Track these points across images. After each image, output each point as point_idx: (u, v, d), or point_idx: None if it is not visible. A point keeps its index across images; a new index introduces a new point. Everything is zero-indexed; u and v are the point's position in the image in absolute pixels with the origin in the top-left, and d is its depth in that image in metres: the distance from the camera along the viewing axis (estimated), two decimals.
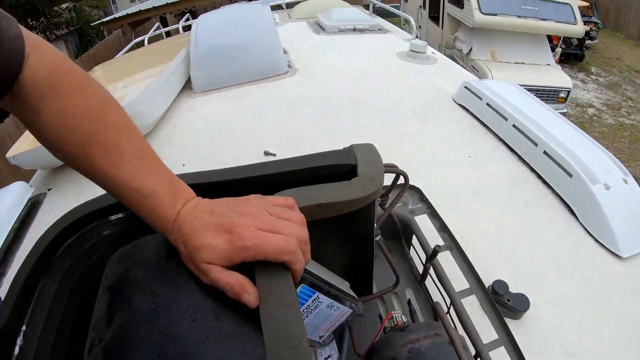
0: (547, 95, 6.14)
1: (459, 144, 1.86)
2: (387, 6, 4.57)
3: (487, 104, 1.96)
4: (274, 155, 1.82)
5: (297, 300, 0.51)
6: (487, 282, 1.06)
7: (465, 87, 2.14)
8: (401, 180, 0.88)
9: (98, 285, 0.63)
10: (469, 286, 0.95)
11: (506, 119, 1.82)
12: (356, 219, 0.78)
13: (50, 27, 13.82)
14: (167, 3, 10.73)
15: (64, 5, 15.22)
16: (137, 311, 0.53)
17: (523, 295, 1.10)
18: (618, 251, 1.32)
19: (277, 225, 0.55)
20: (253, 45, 2.64)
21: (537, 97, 2.01)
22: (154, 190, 0.59)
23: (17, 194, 1.71)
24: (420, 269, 1.06)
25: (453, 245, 1.04)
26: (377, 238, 0.92)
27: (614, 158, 1.59)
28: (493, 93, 1.99)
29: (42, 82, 0.57)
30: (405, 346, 0.68)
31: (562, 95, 6.25)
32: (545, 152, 1.60)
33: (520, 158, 1.73)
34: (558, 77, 6.33)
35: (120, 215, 0.76)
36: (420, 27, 9.75)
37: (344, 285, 0.81)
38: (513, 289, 1.10)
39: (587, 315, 1.14)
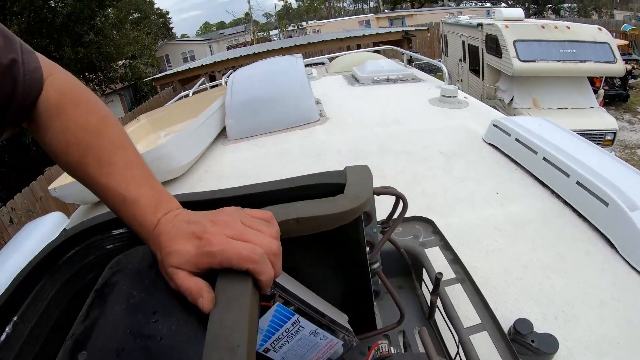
0: (593, 139, 5.94)
1: (486, 182, 1.81)
2: (418, 55, 4.63)
3: (516, 139, 1.91)
4: None
5: (252, 308, 0.51)
6: (509, 322, 0.99)
7: (494, 125, 2.10)
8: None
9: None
10: (480, 322, 0.87)
11: (536, 153, 1.76)
12: (344, 242, 0.75)
13: (105, 81, 14.70)
14: (215, 62, 11.26)
15: (120, 62, 16.12)
16: (109, 310, 0.58)
17: (551, 335, 0.97)
18: None
19: (247, 235, 0.56)
20: (285, 94, 2.73)
21: None
22: (138, 198, 0.63)
23: (53, 223, 1.81)
24: None
25: (465, 277, 0.97)
26: (376, 266, 0.87)
27: None
28: (522, 128, 1.94)
29: (52, 104, 0.67)
30: None
31: (608, 138, 6.04)
32: (578, 183, 1.52)
33: (552, 192, 1.65)
34: (603, 120, 6.16)
35: (122, 230, 0.78)
36: (461, 80, 9.80)
37: (338, 316, 0.78)
38: (540, 329, 0.98)
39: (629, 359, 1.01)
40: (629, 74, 9.40)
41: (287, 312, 0.66)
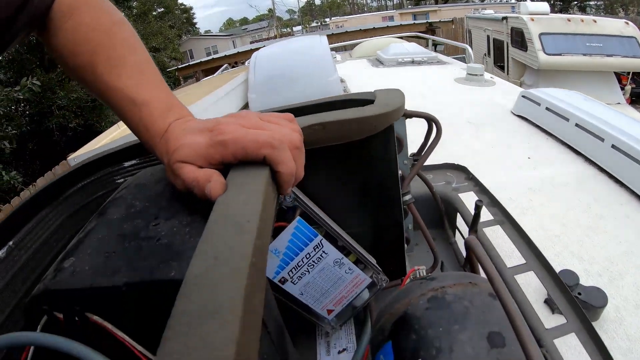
0: None
1: (517, 148, 1.75)
2: (442, 39, 4.57)
3: (547, 108, 1.85)
4: None
5: (267, 197, 0.44)
6: None
7: (523, 96, 2.05)
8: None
9: None
10: (525, 262, 0.80)
11: (567, 120, 1.71)
12: (373, 161, 0.70)
13: None
14: (239, 52, 11.26)
15: None
16: (107, 219, 0.54)
17: (598, 289, 0.89)
18: None
19: (264, 125, 0.51)
20: (309, 70, 2.68)
21: None
22: (148, 100, 0.58)
23: None
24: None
25: (505, 219, 0.91)
26: (407, 198, 0.79)
27: None
28: (552, 97, 1.89)
29: (65, 4, 0.62)
30: (424, 295, 0.48)
31: None
32: (613, 146, 1.46)
33: (586, 159, 1.60)
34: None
35: (134, 161, 0.75)
36: None
37: (365, 253, 0.71)
38: (585, 283, 0.92)
39: None
40: None
41: (309, 232, 0.60)
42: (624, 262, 1.10)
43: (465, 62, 3.61)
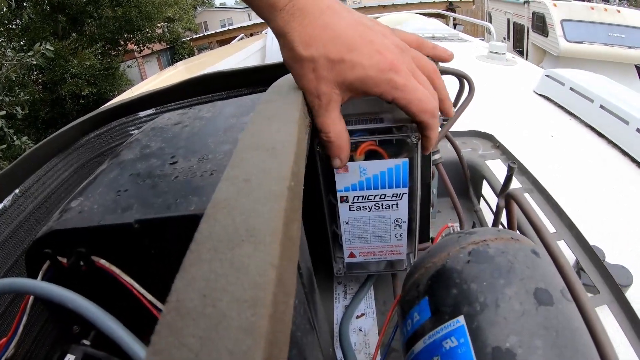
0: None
1: (540, 126, 1.71)
2: (463, 17, 4.48)
3: (571, 88, 1.80)
4: None
5: (300, 121, 0.40)
6: None
7: (547, 76, 2.00)
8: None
9: None
10: (555, 231, 0.78)
11: (592, 101, 1.66)
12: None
13: (143, 41, 14.54)
14: (255, 24, 11.15)
15: (159, 25, 16.17)
16: (119, 160, 0.51)
17: (623, 267, 0.86)
18: None
19: (425, 81, 0.48)
20: None
21: None
22: None
23: None
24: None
25: (534, 187, 0.88)
26: (437, 157, 0.75)
27: None
28: (577, 78, 1.83)
29: None
30: (463, 249, 0.43)
31: None
32: (638, 130, 1.41)
33: (609, 142, 1.54)
34: None
35: (149, 112, 0.72)
36: None
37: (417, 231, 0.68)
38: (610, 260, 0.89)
39: None
40: None
41: (404, 178, 0.56)
42: None
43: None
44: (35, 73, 8.79)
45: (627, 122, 1.47)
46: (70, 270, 0.40)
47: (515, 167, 0.72)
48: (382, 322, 0.72)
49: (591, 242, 0.97)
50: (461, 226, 0.79)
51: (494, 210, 0.77)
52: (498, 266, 0.40)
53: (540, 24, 7.12)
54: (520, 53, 8.30)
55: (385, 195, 0.57)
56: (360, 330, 0.72)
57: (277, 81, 0.52)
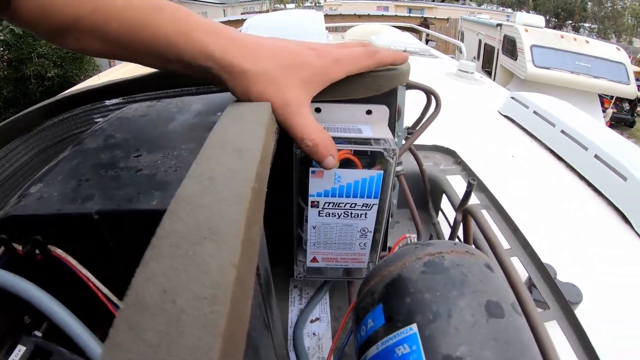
0: None
1: (502, 145, 1.76)
2: (436, 33, 4.56)
3: (534, 112, 1.86)
4: None
5: (268, 125, 0.40)
6: None
7: (512, 98, 2.06)
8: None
9: None
10: (509, 247, 0.81)
11: (554, 125, 1.72)
12: None
13: None
14: (230, 20, 11.08)
15: None
16: (82, 148, 0.50)
17: (574, 285, 0.89)
18: None
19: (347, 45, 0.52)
20: (302, 40, 2.59)
21: None
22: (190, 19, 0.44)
23: None
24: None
25: (491, 204, 0.91)
26: (399, 168, 0.75)
27: None
28: (541, 102, 1.91)
29: None
30: (419, 259, 0.45)
31: None
32: (596, 156, 1.47)
33: (568, 166, 1.60)
34: None
35: (117, 100, 0.70)
36: None
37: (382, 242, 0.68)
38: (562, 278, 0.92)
39: None
40: (639, 100, 9.40)
41: (376, 189, 0.56)
42: (598, 267, 1.11)
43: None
44: (1, 49, 8.49)
45: (586, 148, 1.52)
46: (25, 259, 0.38)
47: (474, 183, 0.73)
48: (336, 328, 0.72)
49: (544, 260, 1.01)
50: (419, 237, 0.80)
51: (452, 224, 0.77)
52: (452, 278, 0.41)
53: (511, 47, 7.29)
54: (489, 74, 8.47)
55: (355, 204, 0.58)
56: (314, 334, 0.72)
57: None
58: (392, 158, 0.53)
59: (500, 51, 7.85)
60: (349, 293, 0.74)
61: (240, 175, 0.30)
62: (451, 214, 0.89)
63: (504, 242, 0.82)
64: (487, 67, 8.66)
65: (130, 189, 0.40)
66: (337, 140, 0.51)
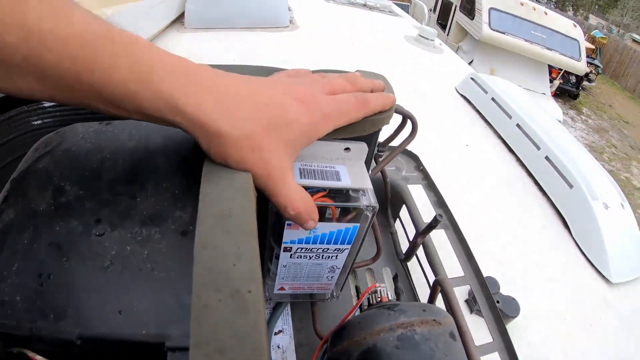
0: None
1: (457, 132, 1.73)
2: None
3: (492, 99, 1.83)
4: None
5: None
6: None
7: (472, 79, 2.02)
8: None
9: None
10: (463, 274, 0.81)
11: (510, 117, 1.70)
12: None
13: None
14: None
15: None
16: (30, 209, 0.40)
17: (513, 299, 0.96)
18: (609, 276, 1.21)
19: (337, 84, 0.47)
20: None
21: None
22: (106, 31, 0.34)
23: None
24: (405, 247, 0.88)
25: (449, 224, 0.89)
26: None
27: (613, 181, 1.50)
28: (500, 89, 1.87)
29: None
30: (392, 330, 0.48)
31: None
32: (547, 158, 1.48)
33: (518, 160, 1.61)
34: (551, 108, 6.30)
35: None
36: None
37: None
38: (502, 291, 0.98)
39: (573, 335, 1.03)
40: (586, 76, 9.75)
41: (351, 237, 0.55)
42: (535, 274, 1.15)
43: (408, 13, 3.54)
44: None
45: (538, 148, 1.52)
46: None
47: (440, 220, 0.72)
48: (298, 340, 0.73)
49: (491, 267, 1.03)
50: (378, 253, 0.79)
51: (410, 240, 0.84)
52: (421, 354, 0.45)
53: (469, 6, 7.26)
54: (443, 27, 8.46)
55: (328, 249, 0.56)
56: (278, 347, 0.71)
57: None
58: (370, 216, 0.52)
59: (458, 8, 7.80)
60: (312, 311, 0.73)
61: (250, 344, 0.27)
62: (408, 224, 0.87)
63: (457, 268, 0.82)
64: (443, 20, 8.63)
65: (106, 301, 0.35)
66: (317, 189, 0.49)
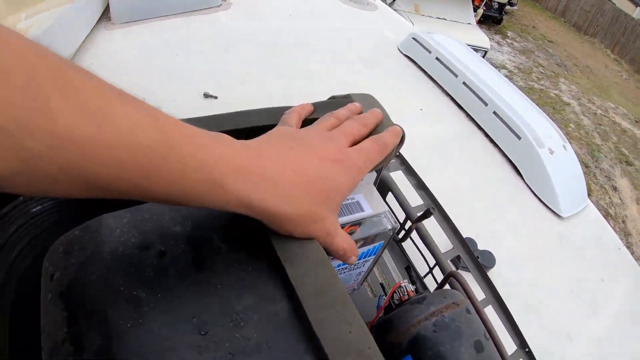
0: None
1: (409, 97, 1.82)
2: None
3: (437, 58, 1.93)
4: (216, 97, 1.58)
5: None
6: None
7: (413, 39, 2.09)
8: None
9: (28, 285, 0.43)
10: (452, 247, 0.93)
11: (456, 76, 1.82)
12: None
13: None
14: None
15: None
16: (117, 327, 0.36)
17: (490, 252, 1.13)
18: (559, 211, 1.41)
19: (356, 130, 0.53)
20: None
21: None
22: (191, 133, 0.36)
23: None
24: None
25: (432, 204, 1.00)
26: None
27: (554, 125, 1.67)
28: (443, 48, 1.96)
29: None
30: (428, 320, 0.60)
31: (480, 54, 6.35)
32: (495, 113, 1.63)
33: (468, 116, 1.75)
34: (477, 37, 6.48)
35: None
36: None
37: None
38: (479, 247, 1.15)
39: (538, 272, 1.22)
40: (508, 0, 9.94)
41: (375, 251, 0.68)
42: (500, 224, 1.33)
43: None
44: None
45: (486, 104, 1.66)
46: None
47: (432, 213, 0.85)
48: None
49: (465, 227, 1.17)
50: None
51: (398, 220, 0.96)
52: (453, 332, 0.58)
53: None
54: None
55: (357, 263, 0.70)
56: None
57: None
58: (391, 235, 0.65)
59: None
60: None
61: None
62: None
63: (447, 244, 0.94)
64: None
65: None
66: (347, 223, 0.60)
